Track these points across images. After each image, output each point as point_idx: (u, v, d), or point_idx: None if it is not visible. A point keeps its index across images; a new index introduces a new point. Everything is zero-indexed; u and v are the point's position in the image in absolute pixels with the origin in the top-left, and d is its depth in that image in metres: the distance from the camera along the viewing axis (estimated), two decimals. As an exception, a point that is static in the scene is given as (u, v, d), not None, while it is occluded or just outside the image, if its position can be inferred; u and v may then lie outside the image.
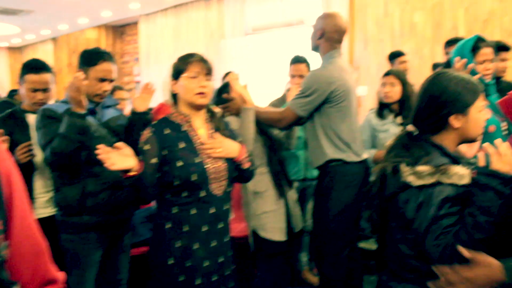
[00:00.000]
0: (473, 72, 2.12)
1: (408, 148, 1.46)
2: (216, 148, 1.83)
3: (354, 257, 2.61)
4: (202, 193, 1.79)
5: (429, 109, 1.46)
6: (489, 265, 1.26)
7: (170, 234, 1.78)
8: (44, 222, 2.38)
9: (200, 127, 1.89)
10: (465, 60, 1.99)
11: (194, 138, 1.84)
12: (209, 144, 1.83)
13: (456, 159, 1.44)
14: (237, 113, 2.47)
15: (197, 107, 1.87)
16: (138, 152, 1.79)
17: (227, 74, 4.11)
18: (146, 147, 1.77)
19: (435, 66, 5.05)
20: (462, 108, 1.42)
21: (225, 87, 2.61)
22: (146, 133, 1.81)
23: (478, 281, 1.26)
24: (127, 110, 3.78)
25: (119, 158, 1.59)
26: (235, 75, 2.61)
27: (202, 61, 1.86)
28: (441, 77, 1.47)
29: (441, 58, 5.68)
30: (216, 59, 8.46)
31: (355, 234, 2.61)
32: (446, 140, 1.47)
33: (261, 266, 2.58)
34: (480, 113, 1.46)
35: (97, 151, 1.54)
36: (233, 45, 8.05)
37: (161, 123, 1.85)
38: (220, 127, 1.94)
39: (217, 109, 2.50)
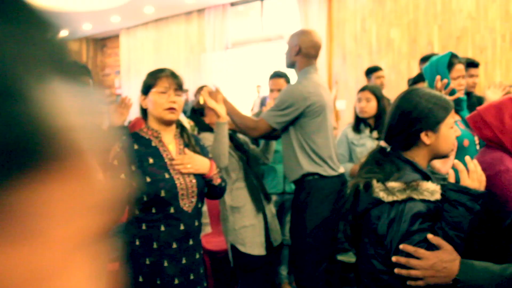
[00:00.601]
0: (454, 91, 2.17)
1: (380, 164, 1.47)
2: (186, 164, 1.82)
3: (333, 270, 2.63)
4: (171, 210, 1.77)
5: (401, 125, 1.48)
6: (452, 253, 1.30)
7: (139, 251, 1.75)
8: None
9: (170, 143, 1.86)
10: (445, 80, 2.05)
11: (163, 154, 1.82)
12: (178, 160, 1.81)
13: (427, 175, 1.46)
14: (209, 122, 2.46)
15: (167, 123, 1.85)
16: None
17: (201, 88, 4.07)
18: (115, 162, 1.73)
19: (410, 81, 5.17)
20: (433, 124, 1.45)
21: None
22: (115, 149, 1.76)
23: (438, 267, 1.29)
24: (105, 124, 3.76)
25: None
26: (209, 89, 2.61)
27: (172, 76, 1.83)
28: (413, 94, 1.49)
29: (417, 73, 5.82)
30: (197, 73, 8.49)
31: (333, 248, 2.63)
32: (418, 156, 1.49)
33: (241, 281, 2.58)
34: (450, 130, 1.49)
35: None
36: (213, 59, 8.09)
37: (130, 138, 1.83)
38: (190, 142, 1.92)
39: (191, 123, 2.51)
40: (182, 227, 1.79)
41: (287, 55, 2.62)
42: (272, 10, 7.71)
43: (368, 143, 2.91)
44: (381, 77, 4.16)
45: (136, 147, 1.80)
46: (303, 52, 2.53)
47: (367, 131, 2.96)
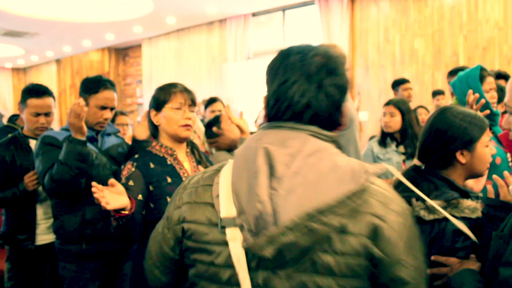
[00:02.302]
0: (488, 105, 2.08)
1: (417, 182, 1.43)
2: None
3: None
4: None
5: (436, 144, 1.45)
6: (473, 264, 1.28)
7: None
8: (45, 249, 2.37)
9: (184, 161, 1.80)
10: (477, 95, 1.97)
11: (180, 172, 1.75)
12: None
13: (466, 193, 1.43)
14: (226, 148, 2.41)
15: (181, 140, 1.79)
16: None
17: (211, 101, 3.88)
18: (130, 183, 1.65)
19: (434, 93, 5.07)
20: (468, 143, 1.42)
21: (215, 121, 2.57)
22: (129, 168, 1.70)
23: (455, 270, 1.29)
24: (129, 134, 3.77)
25: (112, 196, 1.47)
26: (228, 108, 2.50)
27: (186, 91, 1.78)
28: (447, 113, 1.46)
29: (441, 84, 5.71)
30: (218, 83, 8.52)
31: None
32: (453, 175, 1.45)
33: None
34: (486, 148, 1.45)
35: (92, 189, 1.45)
36: (235, 69, 8.11)
37: (144, 157, 1.74)
38: (202, 159, 1.87)
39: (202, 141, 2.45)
40: None
41: None
42: (294, 20, 7.70)
43: (394, 157, 2.84)
44: (409, 89, 4.06)
45: (152, 165, 1.73)
46: None
47: (393, 145, 2.89)
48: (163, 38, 9.59)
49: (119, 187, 1.49)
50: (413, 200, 1.38)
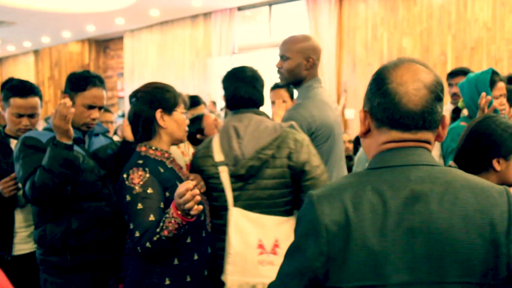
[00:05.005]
0: (496, 112, 2.02)
1: None
2: (202, 183, 1.78)
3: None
4: (203, 234, 1.66)
5: (474, 149, 1.52)
6: None
7: None
8: (23, 260, 2.19)
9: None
10: (489, 97, 1.93)
11: (180, 174, 1.70)
12: (195, 179, 1.74)
13: None
14: None
15: (177, 144, 1.82)
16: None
17: (193, 103, 3.64)
18: (149, 190, 1.54)
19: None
20: (506, 153, 1.49)
21: (197, 121, 2.49)
22: (142, 175, 1.58)
23: None
24: (112, 132, 3.61)
25: None
26: (211, 118, 2.35)
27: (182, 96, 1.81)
28: (489, 121, 1.55)
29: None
30: (202, 78, 8.36)
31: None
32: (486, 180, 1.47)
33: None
34: None
35: (193, 192, 1.33)
36: (219, 64, 7.97)
37: (150, 162, 1.64)
38: (180, 163, 1.86)
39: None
40: (209, 251, 1.69)
41: (291, 72, 2.13)
42: (281, 15, 7.60)
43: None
44: None
45: (161, 170, 1.63)
46: (315, 64, 2.13)
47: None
48: (146, 31, 9.37)
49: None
50: None
